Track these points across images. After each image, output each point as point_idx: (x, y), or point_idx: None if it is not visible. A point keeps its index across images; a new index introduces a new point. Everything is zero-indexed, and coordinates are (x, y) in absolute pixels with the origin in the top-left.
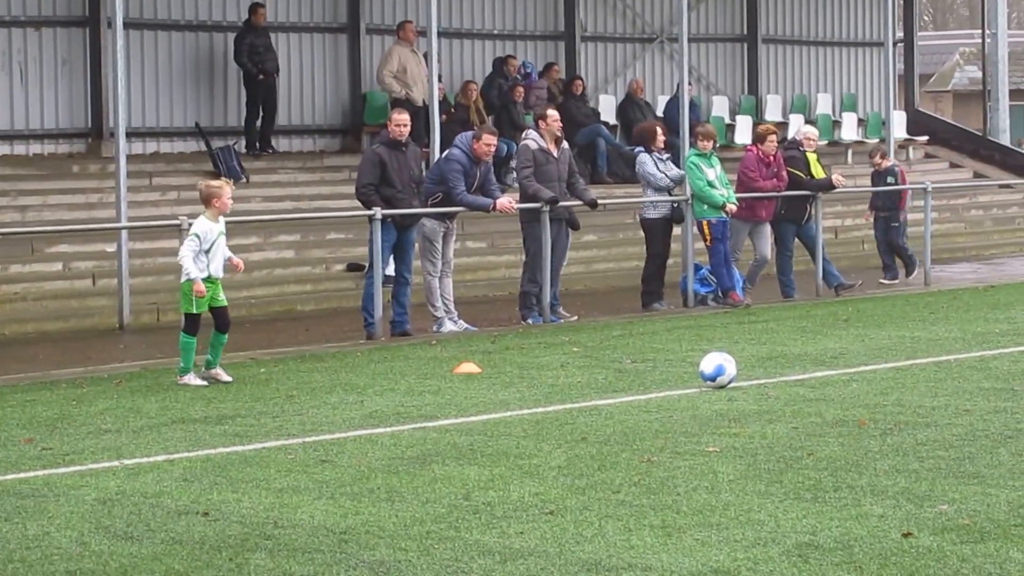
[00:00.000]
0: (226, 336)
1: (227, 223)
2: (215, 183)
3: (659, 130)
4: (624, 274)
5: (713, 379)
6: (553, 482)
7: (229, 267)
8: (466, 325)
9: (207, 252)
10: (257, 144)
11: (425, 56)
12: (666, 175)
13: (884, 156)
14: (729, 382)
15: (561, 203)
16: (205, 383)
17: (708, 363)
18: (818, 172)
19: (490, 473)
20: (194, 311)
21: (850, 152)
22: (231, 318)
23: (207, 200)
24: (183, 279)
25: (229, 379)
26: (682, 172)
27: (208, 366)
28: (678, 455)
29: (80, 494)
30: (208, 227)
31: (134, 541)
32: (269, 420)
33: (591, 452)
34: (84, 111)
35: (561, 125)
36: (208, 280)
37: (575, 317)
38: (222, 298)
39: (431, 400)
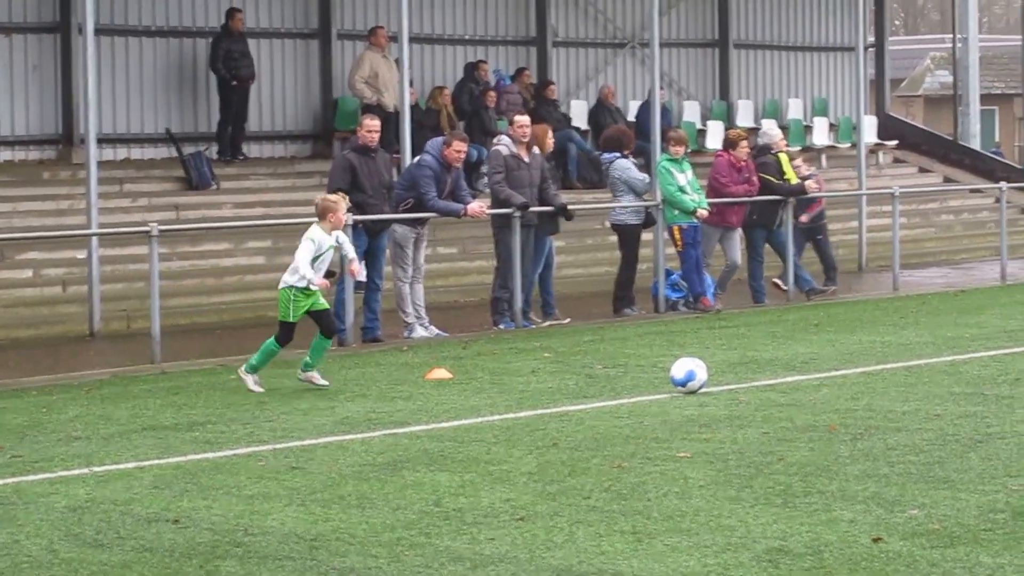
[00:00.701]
0: (330, 341)
1: (197, 230)
2: (332, 197)
3: (631, 135)
4: (594, 279)
5: (684, 384)
6: (524, 488)
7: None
8: (437, 331)
9: (314, 260)
10: (228, 150)
11: (397, 62)
12: (645, 179)
13: (807, 163)
14: (700, 387)
15: (532, 208)
16: (260, 389)
17: (679, 368)
18: (791, 175)
19: (461, 479)
20: (291, 319)
21: (823, 157)
22: (203, 324)
23: (322, 214)
24: (282, 285)
25: (325, 383)
26: (649, 177)
27: (305, 368)
28: (649, 460)
29: (50, 501)
30: (322, 237)
31: (104, 549)
32: (240, 427)
33: (562, 458)
34: (55, 117)
35: (529, 131)
36: (306, 290)
37: (567, 320)
38: (323, 302)
39: (402, 406)
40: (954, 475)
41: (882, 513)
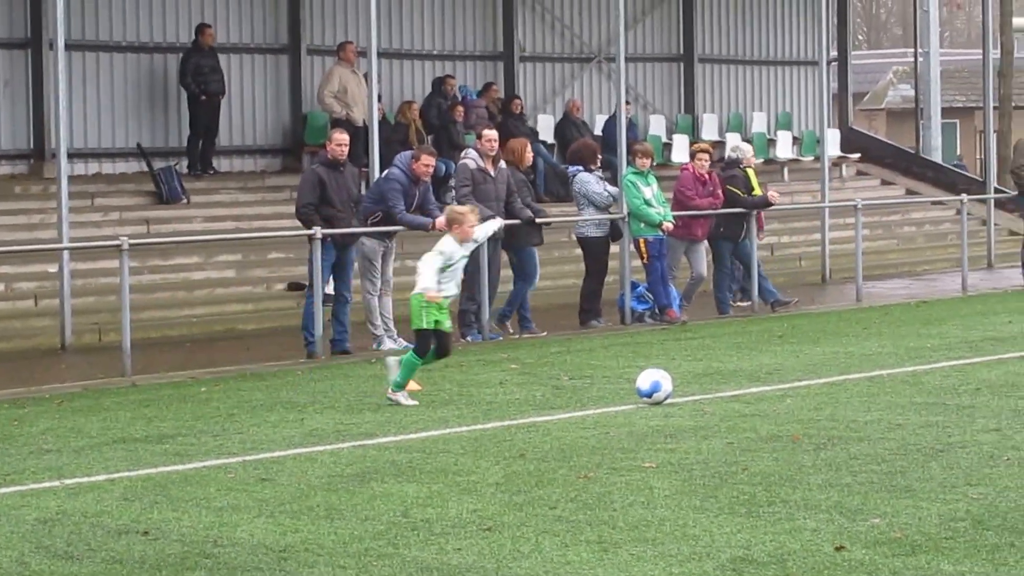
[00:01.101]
0: (421, 361)
1: (167, 243)
2: (461, 209)
3: (595, 149)
4: (561, 291)
5: (649, 395)
6: (491, 498)
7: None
8: (405, 343)
9: (443, 270)
10: (198, 164)
11: (365, 76)
12: (609, 192)
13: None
14: (665, 398)
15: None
16: (415, 402)
17: (644, 379)
18: (757, 189)
19: (428, 490)
20: (423, 326)
21: (786, 170)
22: (174, 337)
23: (449, 224)
24: (416, 292)
25: (413, 403)
26: (617, 190)
27: (396, 388)
28: (615, 471)
29: (20, 514)
30: (453, 248)
31: (74, 561)
32: (209, 439)
33: (529, 468)
34: (26, 132)
35: (496, 145)
36: (438, 307)
37: (544, 332)
38: (448, 325)
39: (371, 418)
40: (916, 484)
41: (845, 522)
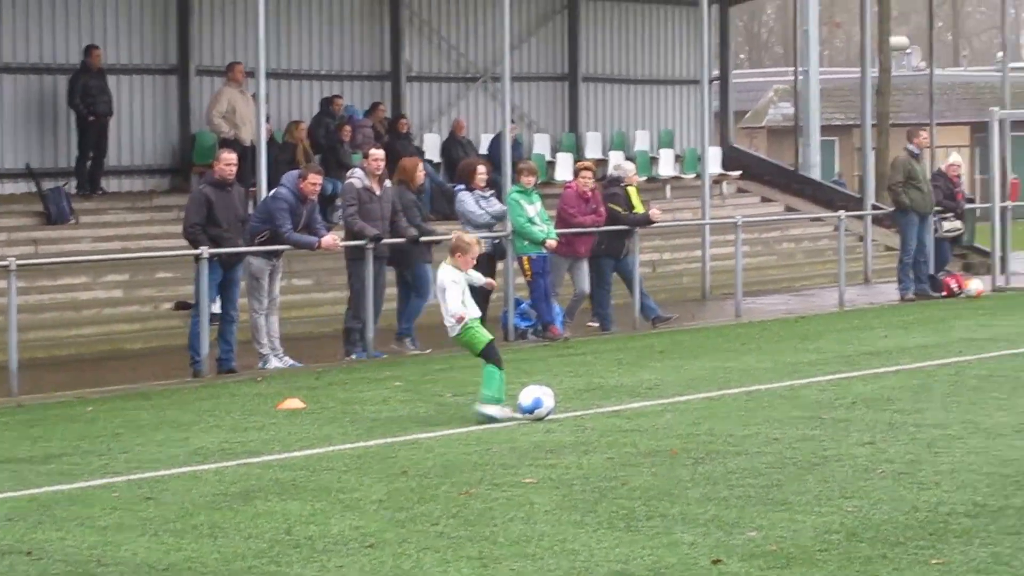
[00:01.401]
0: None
1: (55, 264)
2: (467, 238)
3: (479, 168)
4: None
5: (531, 411)
6: (373, 515)
7: None
8: (291, 361)
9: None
10: (87, 185)
11: (254, 96)
12: (487, 212)
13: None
14: (547, 414)
15: (384, 240)
16: (508, 413)
17: (526, 396)
18: (640, 207)
19: (311, 508)
20: (485, 340)
21: (668, 188)
22: (61, 357)
23: (452, 250)
24: (454, 333)
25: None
26: (504, 208)
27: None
28: (496, 487)
29: None
30: (458, 274)
31: None
32: (95, 458)
33: (411, 485)
34: None
35: (383, 164)
36: (481, 322)
37: (429, 350)
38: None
39: (256, 436)
40: (791, 497)
41: (721, 535)
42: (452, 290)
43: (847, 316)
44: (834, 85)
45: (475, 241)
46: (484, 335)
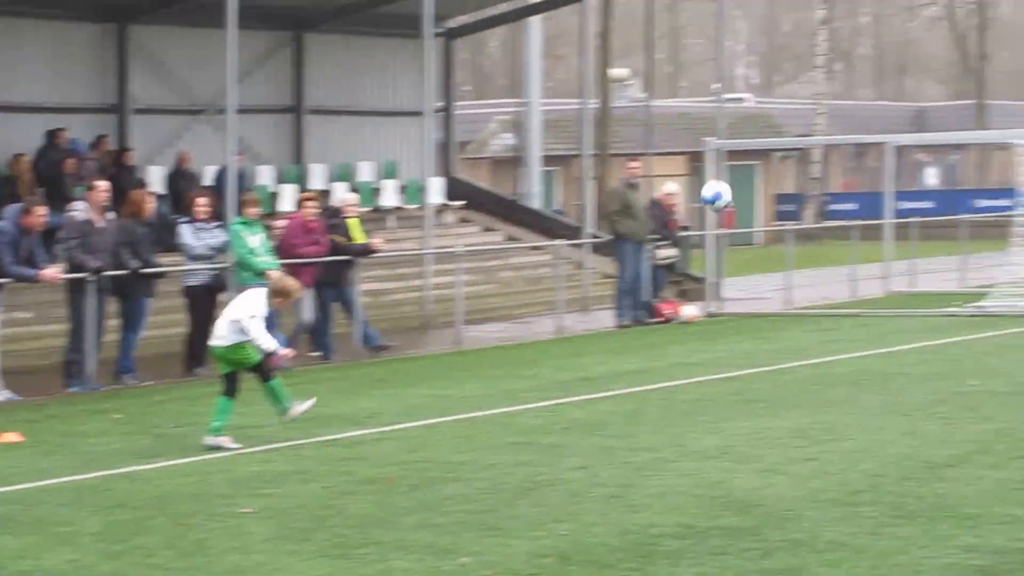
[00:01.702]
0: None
1: None
2: (294, 287)
3: (199, 200)
4: (167, 340)
5: (712, 202)
6: (88, 548)
7: None
8: (10, 394)
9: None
10: None
11: None
12: (207, 243)
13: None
14: (724, 206)
15: (106, 273)
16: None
17: (708, 189)
18: (359, 237)
19: (25, 542)
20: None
21: (392, 218)
22: None
23: (276, 292)
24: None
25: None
26: (226, 239)
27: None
28: (212, 517)
29: None
30: (263, 308)
31: None
32: None
33: (127, 518)
34: None
35: (108, 196)
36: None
37: (151, 381)
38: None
39: None
40: (505, 522)
41: (435, 561)
42: (258, 324)
43: (564, 343)
44: (556, 116)
45: (298, 289)
46: (255, 353)
